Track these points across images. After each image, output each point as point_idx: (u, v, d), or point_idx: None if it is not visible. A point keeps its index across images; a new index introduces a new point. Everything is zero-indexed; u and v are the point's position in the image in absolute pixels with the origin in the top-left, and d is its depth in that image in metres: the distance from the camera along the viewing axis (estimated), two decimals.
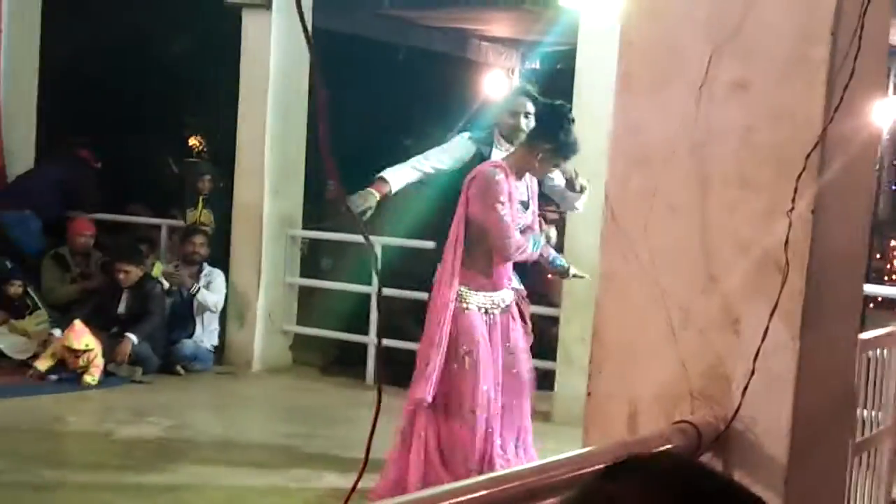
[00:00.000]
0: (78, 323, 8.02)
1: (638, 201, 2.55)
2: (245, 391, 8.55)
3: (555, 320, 7.68)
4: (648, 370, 2.54)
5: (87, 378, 7.89)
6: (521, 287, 5.66)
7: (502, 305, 5.32)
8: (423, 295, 6.03)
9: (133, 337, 8.32)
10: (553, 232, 7.45)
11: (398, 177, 5.70)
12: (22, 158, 10.53)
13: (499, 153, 5.69)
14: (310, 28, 7.61)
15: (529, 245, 5.25)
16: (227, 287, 9.02)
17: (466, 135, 5.94)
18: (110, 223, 10.62)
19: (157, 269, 9.11)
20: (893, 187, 13.75)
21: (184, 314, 8.87)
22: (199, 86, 13.95)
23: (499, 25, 12.57)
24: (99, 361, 7.99)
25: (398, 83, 13.90)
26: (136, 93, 13.44)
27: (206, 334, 8.91)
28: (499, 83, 14.02)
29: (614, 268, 2.60)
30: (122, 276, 8.62)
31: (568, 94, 7.56)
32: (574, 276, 5.63)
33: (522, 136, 5.62)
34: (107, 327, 8.44)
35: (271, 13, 8.78)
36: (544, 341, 7.18)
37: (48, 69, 10.84)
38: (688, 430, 2.36)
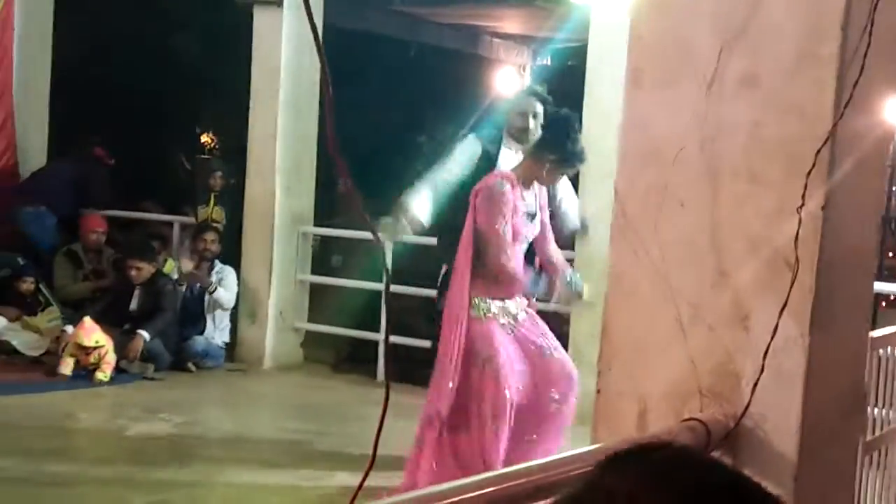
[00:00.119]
0: (88, 320, 8.05)
1: (647, 197, 2.54)
2: (256, 388, 8.56)
3: (565, 318, 7.67)
4: (658, 367, 2.53)
5: (99, 375, 7.92)
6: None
7: (517, 312, 5.30)
8: (434, 292, 6.02)
9: (145, 333, 8.34)
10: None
11: (422, 206, 5.67)
12: (35, 156, 10.59)
13: (508, 152, 5.69)
14: (321, 25, 7.61)
15: (528, 279, 5.23)
16: (239, 284, 9.03)
17: (473, 137, 5.92)
18: (123, 220, 10.67)
19: (169, 266, 9.13)
20: None
21: (195, 311, 8.89)
22: (211, 83, 13.97)
23: (510, 22, 12.56)
24: (111, 358, 8.01)
25: (409, 80, 13.90)
26: (149, 90, 13.46)
27: (217, 331, 8.93)
28: (510, 79, 14.01)
29: (624, 264, 2.59)
30: (134, 272, 8.65)
31: (579, 91, 7.55)
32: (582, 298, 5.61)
33: (531, 137, 5.63)
34: (119, 324, 8.46)
35: (282, 10, 8.80)
36: None
37: (61, 68, 10.89)
38: (697, 427, 2.35)
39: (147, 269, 8.68)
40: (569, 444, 5.22)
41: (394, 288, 7.45)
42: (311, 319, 9.41)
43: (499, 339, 5.15)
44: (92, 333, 7.92)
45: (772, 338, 2.34)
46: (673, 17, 2.52)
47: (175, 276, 9.02)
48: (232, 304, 8.98)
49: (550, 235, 5.51)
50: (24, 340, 8.65)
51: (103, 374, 7.93)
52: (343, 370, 9.00)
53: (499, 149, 5.79)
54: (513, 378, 5.14)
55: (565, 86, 11.08)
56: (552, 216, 5.60)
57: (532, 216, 5.29)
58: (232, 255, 9.21)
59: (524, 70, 14.33)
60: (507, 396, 5.10)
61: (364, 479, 1.96)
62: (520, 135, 5.74)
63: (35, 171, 10.37)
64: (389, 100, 13.74)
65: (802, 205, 2.32)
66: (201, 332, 8.82)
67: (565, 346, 7.47)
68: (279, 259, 9.03)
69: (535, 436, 5.22)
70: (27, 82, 10.55)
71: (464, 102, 13.19)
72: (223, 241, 9.18)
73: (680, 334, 2.48)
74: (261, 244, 9.04)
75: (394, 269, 8.10)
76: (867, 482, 3.36)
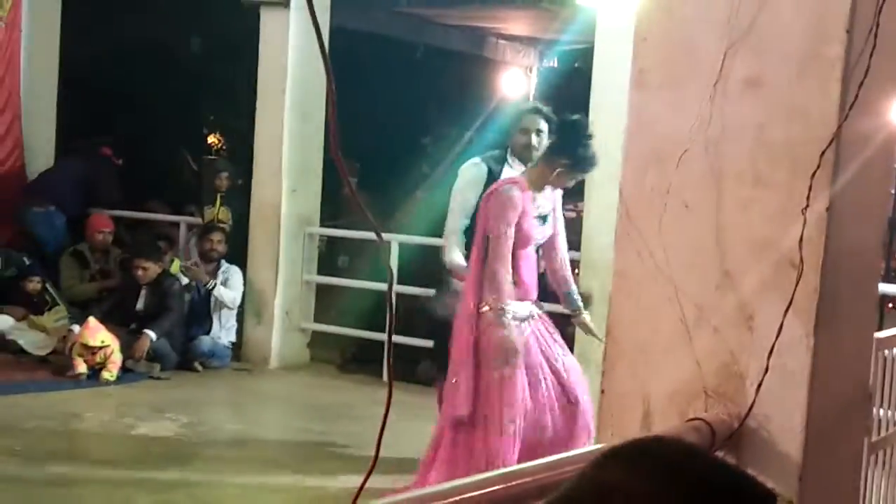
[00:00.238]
0: (92, 320, 8.07)
1: (652, 199, 2.54)
2: (262, 388, 8.57)
3: (570, 319, 7.66)
4: (662, 368, 2.54)
5: (106, 374, 7.93)
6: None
7: (532, 316, 5.32)
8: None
9: (151, 333, 8.36)
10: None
11: (458, 256, 5.67)
12: (42, 156, 10.63)
13: (511, 172, 5.71)
14: (327, 26, 7.67)
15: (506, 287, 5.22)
16: (245, 284, 9.05)
17: (476, 160, 5.92)
18: (129, 220, 10.70)
19: (176, 266, 9.15)
20: None
21: (201, 311, 8.91)
22: (218, 84, 14.00)
23: (516, 24, 12.57)
24: (117, 358, 8.02)
25: (415, 81, 13.91)
26: (155, 91, 13.48)
27: (223, 331, 8.95)
28: (516, 81, 14.01)
29: (628, 265, 2.60)
30: (140, 272, 8.67)
31: (585, 93, 7.56)
32: (583, 324, 5.64)
33: (534, 154, 5.65)
34: (125, 324, 8.49)
35: (289, 11, 8.81)
36: None
37: (68, 68, 10.92)
38: (701, 427, 2.35)
39: (153, 269, 8.70)
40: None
41: (400, 289, 7.48)
42: (317, 320, 9.42)
43: (514, 341, 5.14)
44: (97, 333, 7.94)
45: (776, 338, 2.35)
46: (678, 18, 2.53)
47: (181, 277, 9.03)
48: (237, 303, 9.00)
49: (560, 244, 5.52)
50: (31, 340, 8.67)
51: (109, 373, 7.95)
52: (349, 370, 9.01)
53: (502, 168, 5.80)
54: (527, 380, 5.16)
55: (572, 88, 11.11)
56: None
57: (544, 218, 5.32)
58: (238, 256, 9.23)
59: (530, 72, 14.33)
60: (522, 399, 5.12)
61: (366, 479, 1.97)
62: (523, 152, 5.76)
63: (43, 171, 10.41)
64: (395, 101, 13.75)
65: (807, 206, 2.32)
66: (207, 332, 8.83)
67: (571, 348, 7.50)
68: (285, 259, 9.04)
69: (549, 435, 5.23)
70: (35, 83, 10.59)
71: (469, 104, 13.22)
72: (229, 242, 9.20)
73: (684, 335, 2.48)
74: (267, 245, 9.06)
75: (401, 269, 8.12)
76: (872, 483, 3.36)
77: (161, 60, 13.77)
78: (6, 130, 10.34)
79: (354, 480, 5.76)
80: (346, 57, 9.70)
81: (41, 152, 10.65)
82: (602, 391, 2.65)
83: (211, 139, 16.35)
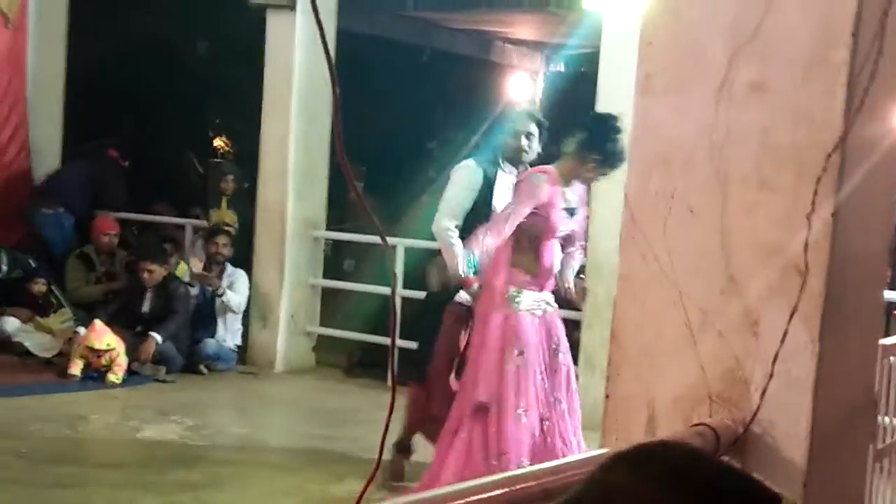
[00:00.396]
0: (98, 322, 8.08)
1: (657, 203, 2.54)
2: (267, 392, 8.57)
3: (576, 324, 7.66)
4: (667, 373, 2.53)
5: (111, 377, 7.94)
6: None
7: (547, 306, 5.40)
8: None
9: (157, 336, 8.37)
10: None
11: (461, 260, 5.67)
12: (49, 158, 10.65)
13: (504, 176, 5.77)
14: (334, 30, 7.67)
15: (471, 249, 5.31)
16: (251, 287, 9.06)
17: (470, 162, 5.94)
18: (135, 222, 10.72)
19: (182, 269, 9.16)
20: None
21: (207, 314, 8.92)
22: (225, 87, 14.00)
23: (523, 28, 12.57)
24: (122, 360, 8.03)
25: (422, 85, 13.92)
26: (161, 94, 13.50)
27: (229, 334, 8.95)
28: (523, 85, 14.01)
29: (633, 270, 2.59)
30: (146, 275, 8.67)
31: (591, 97, 7.56)
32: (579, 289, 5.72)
33: (525, 157, 5.81)
34: (131, 326, 8.50)
35: (295, 14, 8.81)
36: None
37: (74, 71, 10.94)
38: (706, 433, 2.35)
39: (159, 272, 8.70)
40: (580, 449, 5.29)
41: (405, 293, 7.48)
42: (322, 323, 9.42)
43: (530, 331, 5.28)
44: (103, 336, 7.94)
45: (781, 344, 2.34)
46: (683, 23, 2.52)
47: (187, 279, 9.04)
48: (242, 307, 9.00)
49: (579, 237, 5.65)
50: (37, 342, 8.68)
51: (115, 376, 7.95)
52: (354, 374, 9.01)
53: (496, 170, 5.84)
54: (538, 371, 5.28)
55: (578, 92, 11.10)
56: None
57: (572, 212, 5.45)
58: (244, 259, 9.23)
59: (537, 76, 14.33)
60: (535, 389, 5.23)
61: (369, 482, 1.97)
62: (514, 155, 5.84)
63: (51, 173, 10.44)
64: (401, 105, 13.76)
65: (812, 211, 2.32)
66: (213, 335, 8.84)
67: (576, 352, 7.51)
68: (291, 263, 9.04)
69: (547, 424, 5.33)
70: (41, 86, 10.62)
71: (476, 108, 13.22)
72: (235, 245, 9.20)
73: (689, 340, 2.48)
74: (273, 248, 9.06)
75: (406, 274, 8.11)
76: (877, 490, 3.35)
77: (167, 63, 13.78)
78: (13, 133, 10.36)
79: (359, 484, 5.74)
80: (352, 61, 9.70)
81: (47, 154, 10.67)
82: (606, 396, 2.64)
83: (217, 142, 16.36)
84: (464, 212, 5.72)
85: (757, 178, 2.41)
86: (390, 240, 7.10)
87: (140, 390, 8.01)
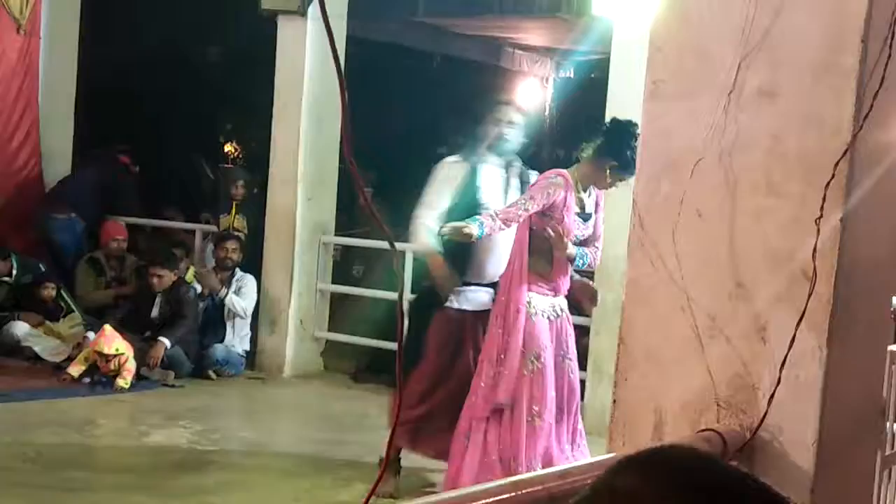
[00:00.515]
0: (108, 327, 8.09)
1: (666, 208, 2.54)
2: (276, 397, 8.57)
3: (584, 330, 7.65)
4: (674, 378, 2.53)
5: (120, 382, 7.95)
6: None
7: (561, 311, 5.42)
8: None
9: (166, 341, 8.37)
10: None
11: (425, 236, 5.69)
12: (59, 164, 10.68)
13: (492, 169, 5.73)
14: (344, 36, 7.64)
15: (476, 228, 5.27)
16: (259, 293, 9.06)
17: (451, 159, 5.92)
18: (145, 228, 10.74)
19: (191, 274, 9.17)
20: None
21: (216, 319, 8.92)
22: (235, 92, 14.03)
23: (533, 34, 12.57)
24: (131, 365, 8.04)
25: (432, 91, 13.93)
26: (172, 99, 13.54)
27: (237, 339, 8.95)
28: (533, 91, 14.00)
29: (641, 275, 2.59)
30: (155, 280, 8.68)
31: (602, 103, 7.55)
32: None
33: (506, 146, 5.76)
34: (140, 331, 8.50)
35: (306, 20, 8.82)
36: None
37: (86, 76, 10.97)
38: (713, 438, 2.35)
39: (168, 277, 8.71)
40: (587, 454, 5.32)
41: (413, 298, 7.46)
42: (331, 329, 9.42)
43: (545, 336, 5.31)
44: (112, 341, 7.95)
45: (789, 349, 2.34)
46: (692, 29, 2.52)
47: (196, 285, 9.05)
48: (249, 312, 9.00)
49: (598, 244, 5.61)
50: (46, 346, 8.70)
51: (124, 381, 7.96)
52: (363, 380, 8.99)
53: (478, 161, 5.78)
54: (553, 376, 5.31)
55: (588, 98, 11.09)
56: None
57: (587, 217, 5.46)
58: (253, 264, 9.24)
59: (547, 82, 14.33)
60: (551, 393, 5.26)
61: (376, 485, 1.97)
62: (496, 144, 5.77)
63: (63, 178, 10.46)
64: (411, 110, 13.76)
65: (821, 217, 2.32)
66: (221, 341, 8.84)
67: (585, 359, 7.51)
68: (300, 268, 9.05)
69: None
70: (53, 91, 10.65)
71: (486, 114, 13.16)
72: (245, 250, 9.21)
73: (697, 345, 2.48)
74: (282, 253, 9.07)
75: (415, 280, 8.10)
76: (885, 498, 3.33)
77: (178, 69, 13.82)
78: (24, 137, 10.39)
79: (367, 490, 5.75)
80: (362, 66, 9.70)
81: (59, 160, 10.69)
82: (613, 401, 2.64)
83: (227, 147, 16.40)
84: (441, 205, 5.70)
85: (765, 184, 2.41)
86: (399, 245, 7.06)
87: (149, 395, 8.01)
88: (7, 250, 9.42)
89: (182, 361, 8.48)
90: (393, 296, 8.76)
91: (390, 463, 5.78)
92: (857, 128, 2.30)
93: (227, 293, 8.86)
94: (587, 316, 7.68)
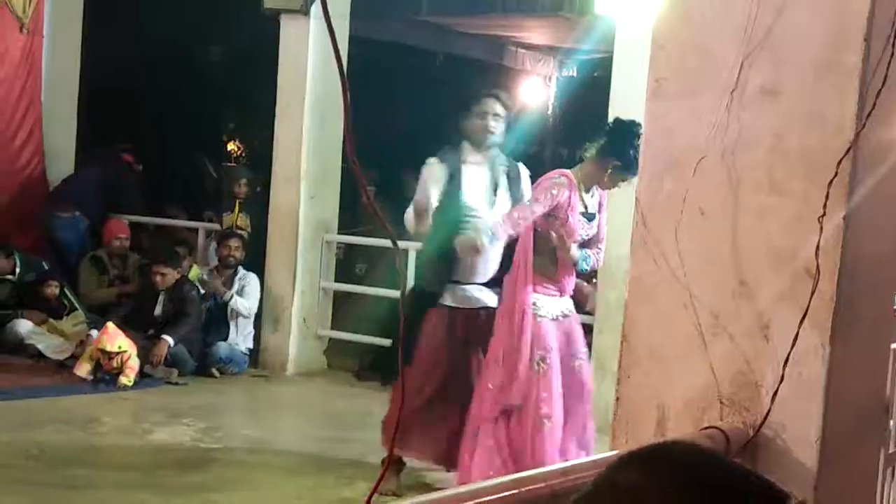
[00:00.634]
0: (111, 325, 8.09)
1: (668, 206, 2.54)
2: (279, 395, 8.58)
3: (588, 328, 7.65)
4: (677, 375, 2.53)
5: (123, 379, 7.96)
6: None
7: (567, 311, 5.43)
8: None
9: (169, 339, 8.38)
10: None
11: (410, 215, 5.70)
12: (63, 162, 10.69)
13: (474, 167, 5.70)
14: (346, 35, 7.64)
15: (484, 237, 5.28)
16: (263, 291, 9.07)
17: (433, 160, 5.88)
18: (148, 226, 10.75)
19: (194, 272, 9.18)
20: None
21: (219, 317, 8.93)
22: (238, 91, 14.04)
23: (536, 33, 12.57)
24: (134, 363, 8.05)
25: (434, 90, 13.93)
26: (175, 98, 13.54)
27: (240, 337, 8.96)
28: (536, 91, 14.00)
29: (644, 273, 2.59)
30: (158, 278, 8.69)
31: (604, 102, 7.55)
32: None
33: (490, 138, 5.68)
34: (143, 329, 8.52)
35: (309, 19, 8.83)
36: None
37: (89, 75, 10.98)
38: (716, 436, 2.35)
39: (171, 275, 8.72)
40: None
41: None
42: (334, 327, 9.43)
43: (551, 336, 5.32)
44: (115, 339, 7.96)
45: (792, 347, 2.34)
46: (695, 26, 2.53)
47: (199, 284, 9.06)
48: (253, 311, 9.01)
49: (602, 244, 5.62)
50: (50, 344, 8.71)
51: (127, 378, 7.97)
52: (366, 378, 8.99)
53: (460, 157, 5.75)
54: (559, 377, 5.32)
55: (591, 97, 11.09)
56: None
57: (591, 217, 5.46)
58: (256, 262, 9.25)
59: (549, 81, 14.33)
60: (558, 394, 5.27)
61: (378, 483, 1.97)
62: (479, 136, 5.70)
63: (66, 176, 10.47)
64: (414, 109, 13.76)
65: (824, 214, 2.32)
66: (225, 338, 8.85)
67: (588, 356, 7.51)
68: (303, 266, 9.06)
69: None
70: (56, 89, 10.66)
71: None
72: (248, 249, 9.22)
73: (700, 343, 2.48)
74: (285, 252, 9.08)
75: (417, 278, 8.10)
76: (888, 495, 3.34)
77: (181, 67, 13.82)
78: (28, 136, 10.41)
79: (370, 488, 5.75)
80: (364, 65, 9.71)
81: (62, 158, 10.71)
82: (616, 398, 2.64)
83: (230, 146, 16.41)
84: (430, 206, 5.69)
85: (768, 182, 2.41)
86: (401, 243, 7.10)
87: (152, 393, 8.02)
88: (10, 248, 9.44)
89: (185, 359, 8.49)
90: (395, 294, 8.77)
91: (393, 461, 5.77)
92: (860, 126, 2.30)
93: (231, 296, 8.87)
94: (590, 314, 7.70)
